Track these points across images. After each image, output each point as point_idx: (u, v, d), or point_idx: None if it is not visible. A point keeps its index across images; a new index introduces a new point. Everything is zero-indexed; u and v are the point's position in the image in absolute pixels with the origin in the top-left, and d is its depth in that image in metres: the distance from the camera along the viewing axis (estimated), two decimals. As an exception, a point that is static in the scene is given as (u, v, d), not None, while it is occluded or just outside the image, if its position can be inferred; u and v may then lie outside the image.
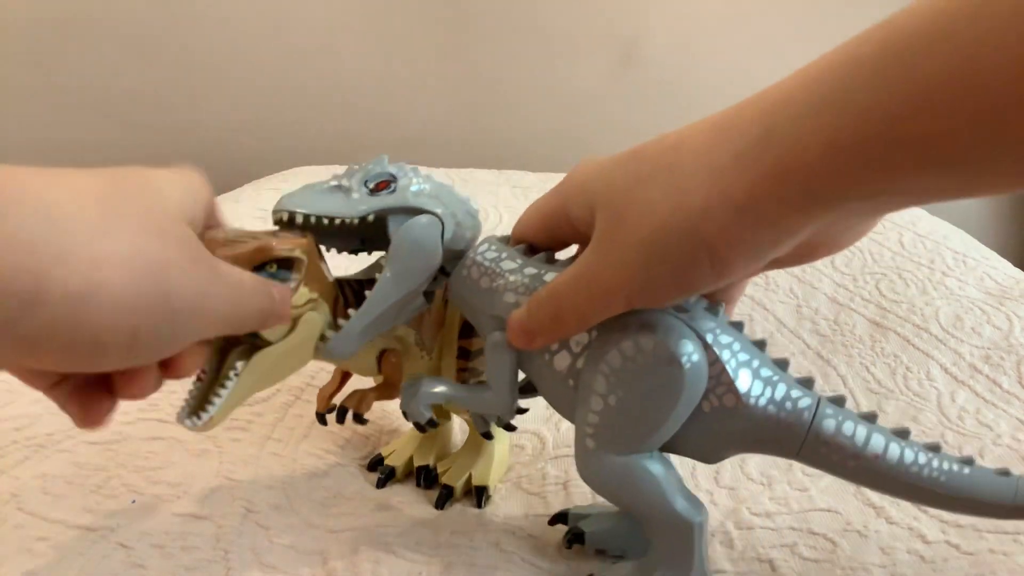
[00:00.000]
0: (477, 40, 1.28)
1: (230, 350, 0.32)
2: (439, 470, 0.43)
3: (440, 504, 0.41)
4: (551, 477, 0.44)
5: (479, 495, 0.41)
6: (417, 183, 0.35)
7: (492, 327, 0.33)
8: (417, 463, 0.43)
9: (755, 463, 0.44)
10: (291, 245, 0.32)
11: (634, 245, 0.26)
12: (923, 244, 0.75)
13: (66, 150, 1.27)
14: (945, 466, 0.30)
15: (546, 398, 0.35)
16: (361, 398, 0.40)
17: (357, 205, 0.34)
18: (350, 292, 0.36)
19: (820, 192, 0.22)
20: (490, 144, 1.33)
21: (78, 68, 1.23)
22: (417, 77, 1.29)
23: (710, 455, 0.32)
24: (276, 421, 0.49)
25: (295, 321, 0.32)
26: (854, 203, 0.23)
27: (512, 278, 0.33)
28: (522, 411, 0.36)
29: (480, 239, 0.36)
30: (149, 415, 0.49)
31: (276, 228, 0.34)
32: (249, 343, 0.32)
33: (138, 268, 0.22)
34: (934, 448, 0.30)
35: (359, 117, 1.31)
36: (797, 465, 0.44)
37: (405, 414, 0.36)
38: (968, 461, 0.30)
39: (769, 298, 0.65)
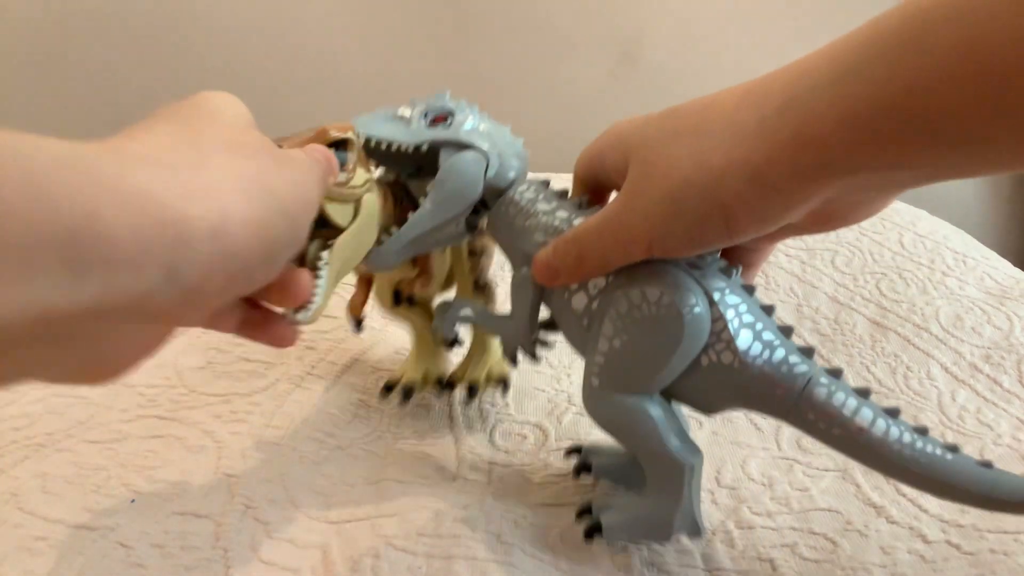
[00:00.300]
0: (477, 40, 1.28)
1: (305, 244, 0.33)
2: (457, 375, 0.48)
3: (471, 396, 0.47)
4: (553, 468, 0.44)
5: (504, 384, 0.48)
6: (472, 121, 0.38)
7: (521, 262, 0.36)
8: (433, 375, 0.48)
9: (756, 463, 0.44)
10: (343, 127, 0.34)
11: (657, 198, 0.27)
12: (923, 244, 0.75)
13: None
14: (928, 448, 0.30)
15: (564, 335, 0.37)
16: (411, 285, 0.45)
17: (414, 135, 0.37)
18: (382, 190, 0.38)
19: (833, 163, 0.23)
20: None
21: (78, 68, 1.23)
22: (417, 77, 1.29)
23: (706, 406, 0.34)
24: (275, 408, 0.49)
25: (358, 203, 0.34)
26: (866, 175, 0.23)
27: (544, 219, 0.35)
28: (545, 343, 0.38)
29: (523, 182, 0.38)
30: (148, 412, 0.49)
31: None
32: (322, 234, 0.33)
33: (247, 185, 0.23)
34: (921, 430, 0.31)
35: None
36: (798, 466, 0.44)
37: (434, 331, 0.41)
38: (953, 448, 0.31)
39: (769, 297, 0.65)
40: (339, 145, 0.33)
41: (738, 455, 0.45)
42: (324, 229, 0.32)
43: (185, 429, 0.47)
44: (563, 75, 1.30)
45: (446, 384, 0.48)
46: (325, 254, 0.32)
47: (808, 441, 0.46)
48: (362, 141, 0.36)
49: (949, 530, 0.39)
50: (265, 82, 1.28)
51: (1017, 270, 0.71)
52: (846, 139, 0.22)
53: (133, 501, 0.41)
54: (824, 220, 0.28)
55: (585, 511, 0.37)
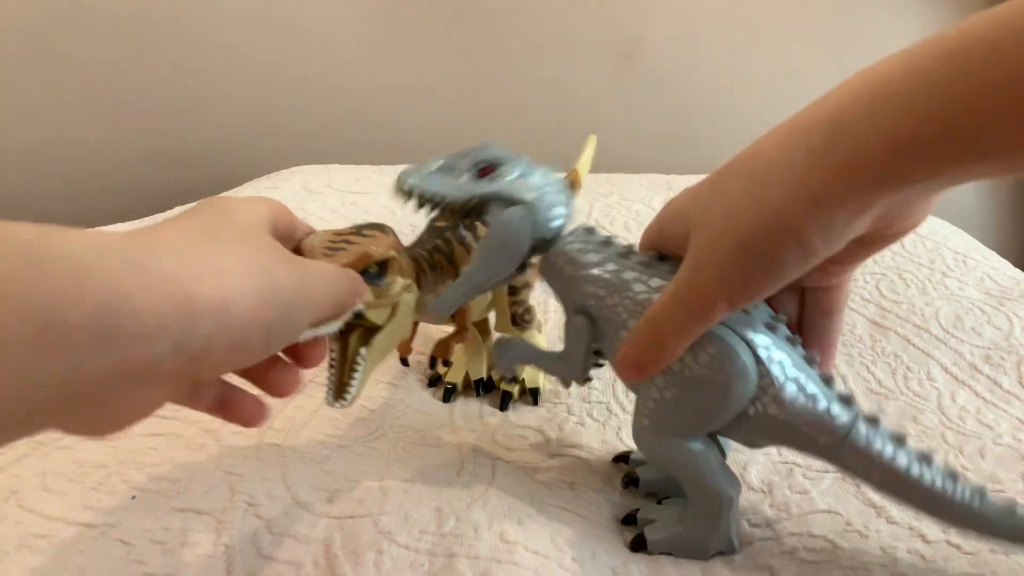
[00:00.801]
0: (477, 40, 1.28)
1: (347, 338, 0.38)
2: (494, 379, 0.52)
3: (504, 406, 0.51)
4: (555, 470, 0.44)
5: (534, 395, 0.51)
6: (517, 171, 0.39)
7: (573, 310, 0.38)
8: (473, 377, 0.52)
9: (756, 471, 0.44)
10: (384, 248, 0.38)
11: (726, 252, 0.28)
12: (923, 244, 0.75)
13: (66, 150, 1.27)
14: (959, 491, 0.33)
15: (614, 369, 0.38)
16: (445, 346, 0.50)
17: (462, 190, 0.38)
18: (424, 264, 0.44)
19: (884, 180, 0.25)
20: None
21: (78, 68, 1.23)
22: (417, 76, 1.29)
23: (749, 444, 0.36)
24: (276, 411, 0.49)
25: (395, 306, 0.39)
26: (914, 187, 0.26)
27: (594, 271, 0.37)
28: (589, 380, 0.41)
29: (572, 232, 0.39)
30: None
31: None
32: (362, 328, 0.38)
33: (253, 272, 0.26)
34: (952, 474, 0.33)
35: (359, 117, 1.31)
36: (798, 470, 0.44)
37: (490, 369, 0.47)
38: (982, 491, 0.33)
39: (769, 298, 0.65)
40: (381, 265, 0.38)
41: (738, 461, 0.45)
42: (363, 321, 0.37)
43: (186, 427, 0.47)
44: (563, 75, 1.30)
45: (485, 387, 0.52)
46: (364, 351, 0.38)
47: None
48: (415, 194, 0.38)
49: (949, 530, 0.39)
50: (265, 82, 1.28)
51: (1017, 271, 0.71)
52: (893, 162, 0.24)
53: (134, 498, 0.41)
54: (886, 229, 0.30)
55: (630, 519, 0.40)
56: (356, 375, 0.37)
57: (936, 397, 0.51)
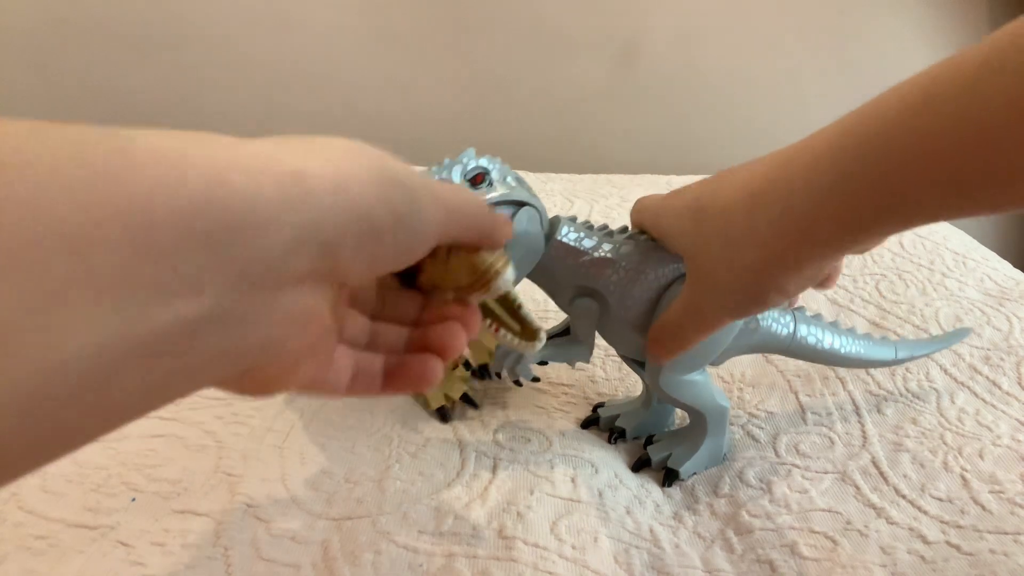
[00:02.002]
0: (477, 40, 1.28)
1: (486, 305, 0.34)
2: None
3: (444, 418, 0.50)
4: (559, 468, 0.44)
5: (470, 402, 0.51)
6: (507, 175, 0.39)
7: (577, 294, 0.41)
8: (477, 363, 0.51)
9: (754, 471, 0.44)
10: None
11: (719, 290, 0.35)
12: (923, 245, 0.75)
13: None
14: (846, 340, 0.47)
15: (610, 342, 0.44)
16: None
17: None
18: None
19: (834, 243, 0.30)
20: (490, 144, 1.33)
21: (78, 68, 1.23)
22: (417, 76, 1.29)
23: (720, 359, 0.44)
24: (276, 414, 0.49)
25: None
26: (865, 243, 0.31)
27: (596, 254, 0.41)
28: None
29: (561, 224, 0.41)
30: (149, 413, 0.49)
31: None
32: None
33: (365, 158, 0.23)
34: (833, 324, 0.48)
35: (359, 117, 1.31)
36: (797, 470, 0.44)
37: (499, 375, 0.46)
38: (852, 331, 0.48)
39: (769, 299, 0.65)
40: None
41: (734, 466, 0.45)
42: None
43: (186, 429, 0.47)
44: (563, 75, 1.30)
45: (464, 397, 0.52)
46: (514, 294, 0.33)
47: (806, 446, 0.46)
48: None
49: (949, 531, 0.39)
50: (265, 82, 1.28)
51: (1017, 271, 0.71)
52: (837, 231, 0.30)
53: (133, 500, 0.41)
54: (849, 254, 0.35)
55: (643, 464, 0.46)
56: (525, 312, 0.34)
57: (935, 398, 0.51)
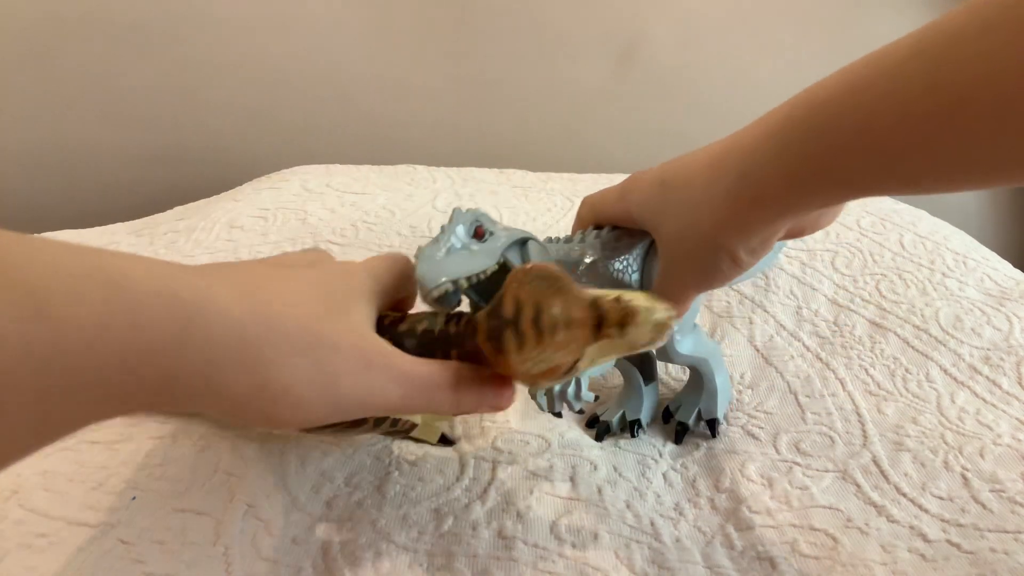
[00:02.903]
0: (477, 39, 1.28)
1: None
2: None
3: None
4: (558, 467, 0.44)
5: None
6: (493, 219, 0.39)
7: None
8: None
9: (755, 467, 0.44)
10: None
11: (683, 259, 0.37)
12: (923, 245, 0.75)
13: (66, 150, 1.27)
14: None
15: None
16: None
17: (488, 254, 0.37)
18: None
19: (783, 211, 0.33)
20: (490, 143, 1.33)
21: (78, 68, 1.23)
22: (417, 76, 1.29)
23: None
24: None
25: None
26: (810, 209, 0.33)
27: (568, 260, 0.42)
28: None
29: (527, 248, 0.40)
30: (151, 415, 0.49)
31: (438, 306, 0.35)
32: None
33: (318, 385, 0.28)
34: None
35: (359, 117, 1.31)
36: (797, 467, 0.44)
37: (558, 414, 0.45)
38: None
39: (769, 300, 0.65)
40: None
41: (736, 461, 0.45)
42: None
43: (187, 431, 0.47)
44: (563, 75, 1.30)
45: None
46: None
47: (807, 444, 0.46)
48: (458, 286, 0.35)
49: (949, 529, 0.39)
50: (265, 82, 1.28)
51: (1017, 271, 0.71)
52: (787, 197, 0.32)
53: (134, 498, 0.41)
54: (799, 231, 0.38)
55: (683, 432, 0.48)
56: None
57: (935, 398, 0.51)
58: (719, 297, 0.65)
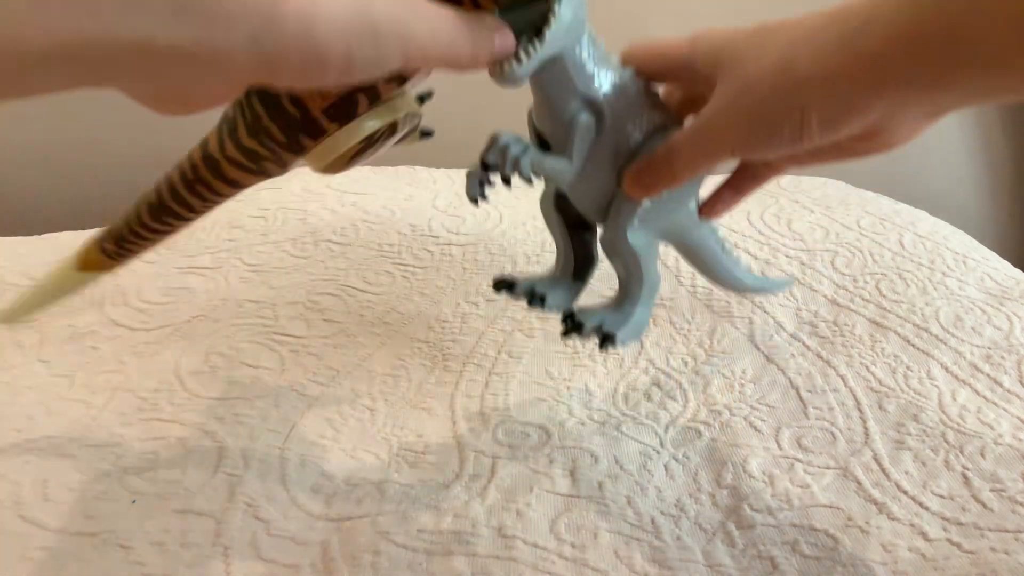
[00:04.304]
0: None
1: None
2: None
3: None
4: (558, 463, 0.44)
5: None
6: None
7: (580, 108, 0.37)
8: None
9: (757, 462, 0.44)
10: None
11: (747, 106, 0.32)
12: (923, 245, 0.75)
13: (66, 150, 1.27)
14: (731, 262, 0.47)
15: (574, 193, 0.41)
16: None
17: None
18: None
19: (895, 76, 0.28)
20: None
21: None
22: (417, 79, 1.29)
23: (654, 239, 0.42)
24: (276, 413, 0.49)
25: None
26: (914, 92, 0.28)
27: (612, 74, 0.37)
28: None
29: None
30: (149, 415, 0.49)
31: None
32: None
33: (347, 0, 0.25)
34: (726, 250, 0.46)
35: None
36: (799, 464, 0.44)
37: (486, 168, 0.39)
38: (737, 260, 0.47)
39: (769, 300, 0.65)
40: None
41: (738, 455, 0.45)
42: None
43: (186, 431, 0.47)
44: (563, 77, 1.30)
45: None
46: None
47: (808, 440, 0.46)
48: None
49: (950, 528, 0.39)
50: (265, 84, 1.28)
51: (1017, 271, 0.71)
52: (907, 57, 0.27)
53: (134, 502, 0.41)
54: (870, 140, 0.33)
55: (574, 328, 0.42)
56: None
57: (936, 396, 0.51)
58: (719, 297, 0.65)
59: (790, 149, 0.31)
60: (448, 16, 0.30)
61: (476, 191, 0.39)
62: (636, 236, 0.40)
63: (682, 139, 0.35)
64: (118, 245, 0.41)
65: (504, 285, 0.44)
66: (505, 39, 0.33)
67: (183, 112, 0.26)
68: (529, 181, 0.39)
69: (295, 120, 0.35)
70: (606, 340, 0.41)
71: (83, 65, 0.21)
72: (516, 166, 0.37)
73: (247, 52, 0.23)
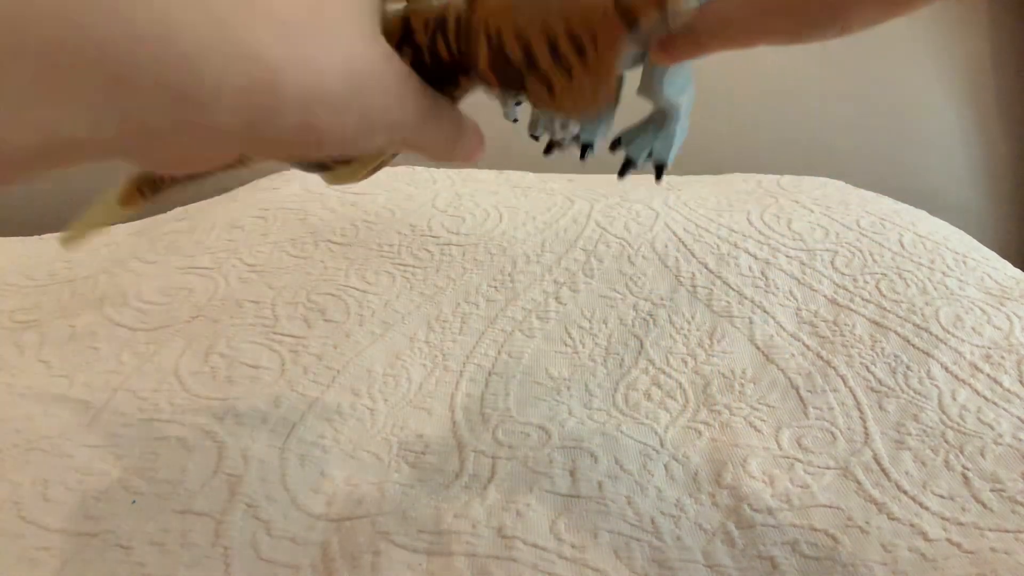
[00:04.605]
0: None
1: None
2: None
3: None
4: (558, 463, 0.44)
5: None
6: None
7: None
8: None
9: (757, 462, 0.44)
10: None
11: None
12: (923, 245, 0.75)
13: (66, 151, 1.27)
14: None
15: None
16: None
17: None
18: None
19: None
20: (490, 144, 1.33)
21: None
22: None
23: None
24: (275, 412, 0.49)
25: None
26: None
27: None
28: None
29: None
30: (149, 416, 0.49)
31: None
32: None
33: (352, 82, 0.24)
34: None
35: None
36: (799, 464, 0.44)
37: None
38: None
39: (769, 300, 0.65)
40: None
41: (738, 455, 0.45)
42: None
43: (185, 431, 0.47)
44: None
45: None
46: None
47: (808, 440, 0.46)
48: None
49: (950, 528, 0.39)
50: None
51: (1017, 271, 0.71)
52: None
53: (134, 502, 0.41)
54: None
55: (628, 166, 0.39)
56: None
57: (937, 396, 0.51)
58: (719, 297, 0.65)
59: (820, 38, 0.29)
60: (445, 115, 0.29)
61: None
62: (674, 84, 0.37)
63: (736, 8, 0.33)
64: (152, 188, 0.41)
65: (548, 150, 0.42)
66: (477, 147, 0.32)
67: (180, 171, 0.25)
68: None
69: None
70: (659, 172, 0.40)
71: (79, 153, 0.21)
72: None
73: (243, 136, 0.22)
